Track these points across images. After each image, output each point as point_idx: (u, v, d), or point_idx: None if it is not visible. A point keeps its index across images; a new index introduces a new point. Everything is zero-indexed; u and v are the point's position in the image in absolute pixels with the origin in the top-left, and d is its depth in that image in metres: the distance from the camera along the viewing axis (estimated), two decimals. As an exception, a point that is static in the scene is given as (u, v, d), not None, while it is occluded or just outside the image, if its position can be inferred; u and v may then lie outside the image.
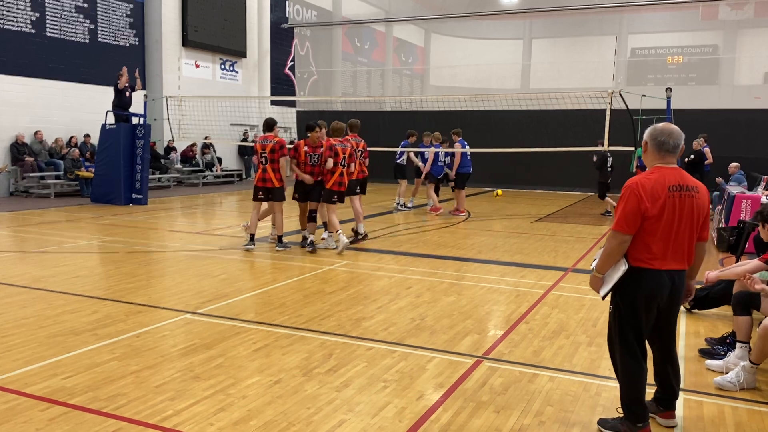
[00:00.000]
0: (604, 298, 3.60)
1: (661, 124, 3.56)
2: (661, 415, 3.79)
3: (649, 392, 3.74)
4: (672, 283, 3.49)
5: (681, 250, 3.47)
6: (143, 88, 16.13)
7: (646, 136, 3.58)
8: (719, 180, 13.79)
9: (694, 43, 24.96)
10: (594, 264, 3.60)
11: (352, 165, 9.38)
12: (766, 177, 11.80)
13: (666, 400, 3.79)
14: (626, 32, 25.64)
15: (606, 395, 4.16)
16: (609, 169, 13.63)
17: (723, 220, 10.55)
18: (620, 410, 3.64)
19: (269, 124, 9.26)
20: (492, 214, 14.46)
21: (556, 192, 20.76)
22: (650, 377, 3.73)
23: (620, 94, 11.79)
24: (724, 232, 9.79)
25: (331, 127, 9.28)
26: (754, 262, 4.93)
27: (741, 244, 8.14)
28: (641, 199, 3.38)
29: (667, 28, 25.02)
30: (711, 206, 14.03)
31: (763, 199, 10.00)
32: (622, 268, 3.47)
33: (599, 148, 13.22)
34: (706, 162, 15.45)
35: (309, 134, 9.18)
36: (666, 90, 11.27)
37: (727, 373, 4.47)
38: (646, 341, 3.65)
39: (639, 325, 3.53)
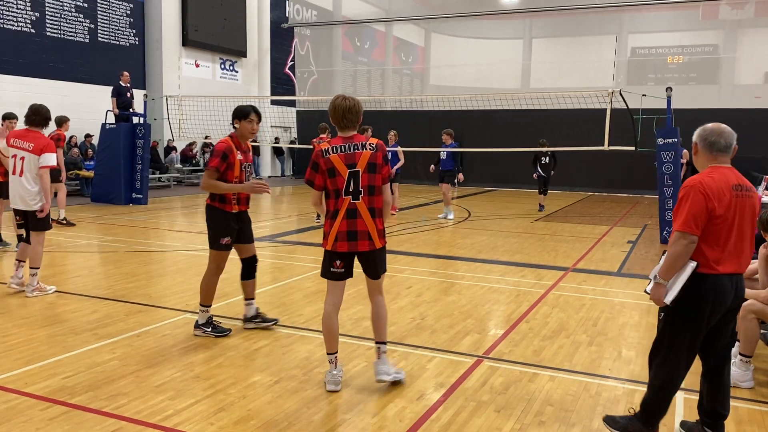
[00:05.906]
0: (672, 303, 3.31)
1: (711, 124, 3.42)
2: None
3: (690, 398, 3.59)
4: (735, 289, 3.31)
5: (741, 252, 3.30)
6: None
7: (695, 137, 3.43)
8: None
9: (694, 42, 24.91)
10: (654, 273, 3.36)
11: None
12: (766, 177, 11.81)
13: (710, 423, 3.48)
14: (626, 32, 25.59)
15: (606, 395, 4.15)
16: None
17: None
18: (632, 410, 3.58)
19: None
20: (492, 213, 14.46)
21: (556, 192, 20.74)
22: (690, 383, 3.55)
23: (620, 94, 11.77)
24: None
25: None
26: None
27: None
28: (708, 197, 3.21)
29: (667, 27, 24.99)
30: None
31: (765, 199, 10.00)
32: (690, 266, 3.26)
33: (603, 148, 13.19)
34: None
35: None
36: (666, 89, 11.24)
37: None
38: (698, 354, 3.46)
39: (696, 334, 3.33)
